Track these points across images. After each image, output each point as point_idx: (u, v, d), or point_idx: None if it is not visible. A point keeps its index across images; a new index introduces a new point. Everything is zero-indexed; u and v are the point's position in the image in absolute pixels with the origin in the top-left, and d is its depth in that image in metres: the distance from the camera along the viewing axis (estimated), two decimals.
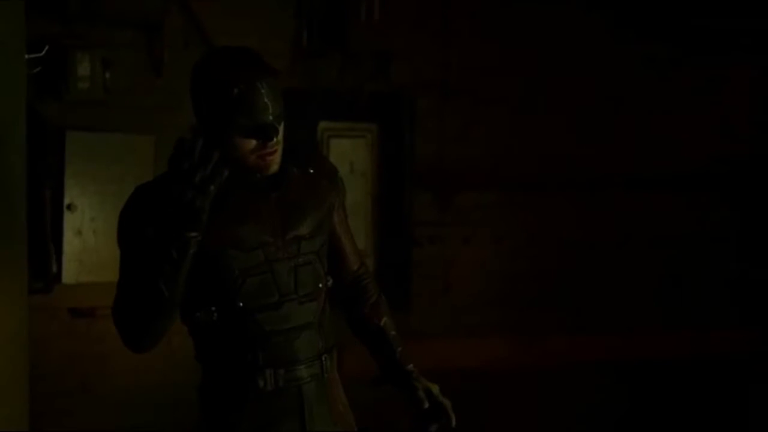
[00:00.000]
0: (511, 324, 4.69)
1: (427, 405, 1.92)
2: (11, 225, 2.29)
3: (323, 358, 1.84)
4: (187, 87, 1.76)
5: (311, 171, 1.88)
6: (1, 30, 2.25)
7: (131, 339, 1.71)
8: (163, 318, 1.68)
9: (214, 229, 1.71)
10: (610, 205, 4.86)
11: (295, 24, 4.38)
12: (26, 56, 2.34)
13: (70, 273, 3.94)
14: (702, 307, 4.87)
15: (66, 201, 3.94)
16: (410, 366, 1.97)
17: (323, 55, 4.41)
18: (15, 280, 2.32)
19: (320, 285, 1.84)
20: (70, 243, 3.94)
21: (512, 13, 4.69)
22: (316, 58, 4.41)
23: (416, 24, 4.58)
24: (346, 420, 1.91)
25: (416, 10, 4.58)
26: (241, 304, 1.76)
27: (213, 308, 1.76)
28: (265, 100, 1.69)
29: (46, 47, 2.58)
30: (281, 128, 1.74)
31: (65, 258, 3.92)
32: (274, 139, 1.71)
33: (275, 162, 1.75)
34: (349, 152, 4.52)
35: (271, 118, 1.70)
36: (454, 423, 1.92)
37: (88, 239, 3.96)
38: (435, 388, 1.95)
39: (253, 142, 1.71)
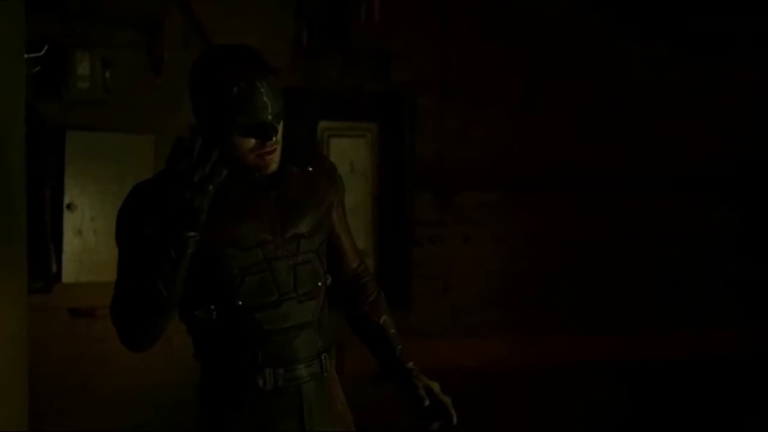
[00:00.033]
0: (511, 324, 4.69)
1: (427, 403, 1.91)
2: (11, 224, 2.29)
3: (323, 357, 1.84)
4: (186, 87, 1.75)
5: (310, 169, 1.87)
6: (0, 29, 2.24)
7: (129, 338, 1.70)
8: (161, 317, 1.68)
9: (213, 228, 1.71)
10: (610, 205, 4.85)
11: (295, 23, 4.37)
12: (26, 56, 2.34)
13: (70, 273, 3.94)
14: (702, 307, 4.87)
15: (66, 200, 3.94)
16: (410, 364, 1.97)
17: (323, 54, 4.41)
18: (15, 279, 2.32)
19: (319, 283, 1.84)
20: (70, 243, 3.93)
21: (512, 13, 4.69)
22: (317, 58, 4.41)
23: (416, 24, 4.58)
24: (344, 419, 1.91)
25: (416, 9, 4.57)
26: (240, 302, 1.75)
27: (212, 307, 1.76)
28: (265, 99, 1.68)
29: (46, 47, 2.58)
30: (280, 127, 1.73)
31: (65, 258, 3.92)
32: (274, 138, 1.70)
33: (274, 161, 1.74)
34: (349, 152, 4.51)
35: (270, 117, 1.69)
36: (455, 420, 1.92)
37: (88, 239, 3.96)
38: (435, 386, 1.95)
39: (253, 141, 1.70)
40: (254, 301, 1.76)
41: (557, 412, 4.63)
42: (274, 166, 1.75)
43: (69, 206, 3.94)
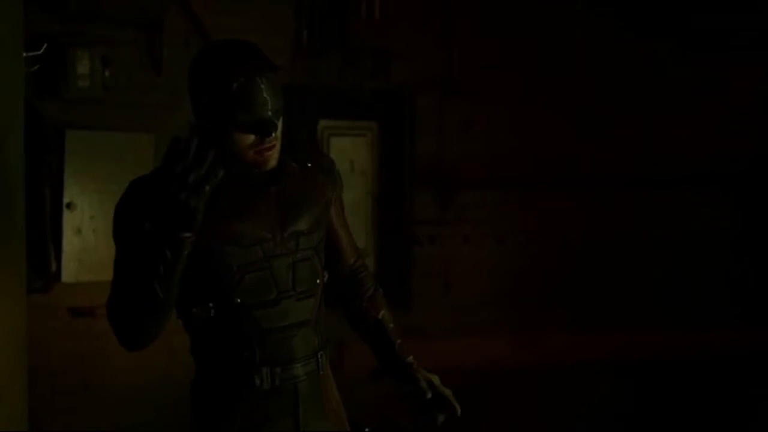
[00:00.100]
0: (511, 323, 4.68)
1: (430, 395, 1.91)
2: (10, 224, 2.28)
3: (319, 356, 1.83)
4: (186, 85, 1.74)
5: (309, 165, 1.87)
6: None
7: (125, 337, 1.70)
8: (157, 317, 1.67)
9: (211, 225, 1.70)
10: (611, 205, 4.85)
11: (295, 22, 4.37)
12: (25, 54, 2.33)
13: (69, 272, 3.93)
14: (702, 307, 4.87)
15: (65, 200, 3.93)
16: (410, 358, 1.96)
17: (324, 53, 4.40)
18: (14, 279, 2.31)
19: (317, 281, 1.83)
20: (69, 242, 3.93)
21: (512, 12, 4.69)
22: (317, 57, 4.40)
23: (417, 22, 4.57)
24: (339, 416, 1.90)
25: (417, 8, 4.57)
26: (238, 300, 1.75)
27: (210, 304, 1.75)
28: (265, 95, 1.67)
29: (45, 45, 2.57)
30: (280, 123, 1.73)
31: (65, 257, 3.92)
32: (273, 135, 1.69)
33: (273, 157, 1.74)
34: (349, 150, 4.51)
35: (270, 113, 1.68)
36: (459, 412, 1.91)
37: (87, 238, 3.95)
38: (436, 379, 1.95)
39: (252, 138, 1.69)
40: (253, 299, 1.76)
41: (557, 411, 4.63)
42: (273, 163, 1.74)
43: (69, 205, 3.94)
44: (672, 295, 4.87)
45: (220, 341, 1.78)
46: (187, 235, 1.61)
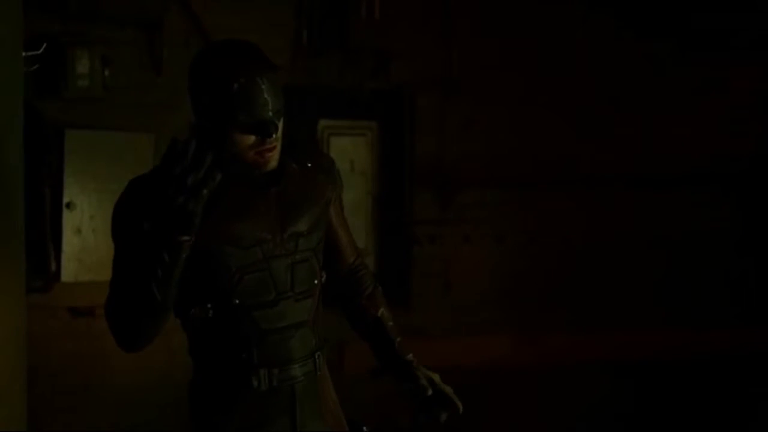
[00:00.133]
0: (511, 322, 4.68)
1: (430, 392, 1.91)
2: (9, 223, 2.28)
3: (316, 356, 1.83)
4: (186, 85, 1.74)
5: (309, 165, 1.86)
6: None
7: (123, 339, 1.69)
8: (155, 320, 1.67)
9: (211, 226, 1.70)
10: (611, 204, 4.85)
11: (295, 22, 4.37)
12: (24, 54, 2.33)
13: (69, 271, 3.93)
14: (702, 306, 4.86)
15: (65, 199, 3.93)
16: (410, 356, 1.96)
17: (324, 53, 4.40)
18: (13, 278, 2.31)
19: (315, 281, 1.83)
20: (69, 241, 3.93)
21: (513, 12, 4.68)
22: (317, 56, 4.40)
23: (417, 22, 4.57)
24: (336, 417, 1.90)
25: (417, 8, 4.57)
26: (237, 301, 1.75)
27: (209, 305, 1.75)
28: (265, 95, 1.67)
29: (45, 45, 2.57)
30: (281, 124, 1.72)
31: (64, 257, 3.91)
32: (274, 136, 1.69)
33: (274, 158, 1.73)
34: (349, 150, 4.51)
35: (270, 114, 1.68)
36: (461, 409, 1.91)
37: (87, 238, 3.95)
38: (436, 377, 1.95)
39: (252, 138, 1.69)
40: (251, 299, 1.76)
41: (558, 411, 4.63)
42: (273, 164, 1.74)
43: (68, 205, 3.93)
44: (672, 295, 4.87)
45: (218, 342, 1.77)
46: (185, 238, 1.60)
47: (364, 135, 4.57)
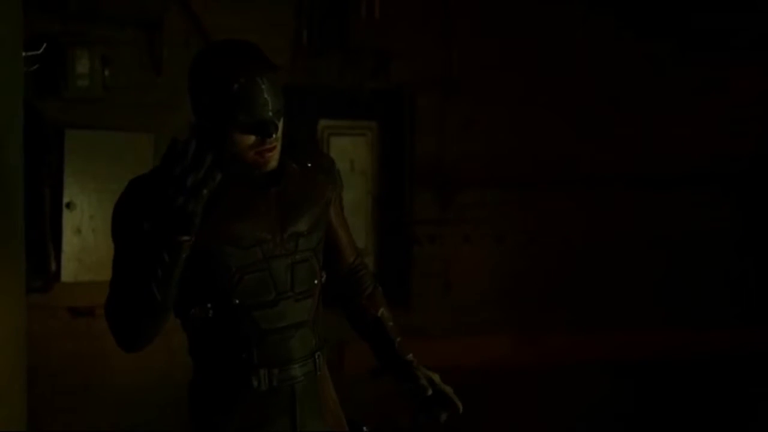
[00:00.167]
0: (511, 322, 4.68)
1: (430, 392, 1.91)
2: (9, 223, 2.28)
3: (316, 356, 1.83)
4: (186, 85, 1.74)
5: (309, 165, 1.86)
6: None
7: (123, 339, 1.69)
8: (155, 320, 1.67)
9: (211, 226, 1.70)
10: (611, 204, 4.85)
11: (295, 22, 4.37)
12: (24, 54, 2.33)
13: (69, 271, 3.93)
14: (702, 306, 4.86)
15: (65, 199, 3.93)
16: (410, 356, 1.97)
17: (324, 53, 4.40)
18: (13, 278, 2.31)
19: (315, 281, 1.83)
20: (69, 241, 3.93)
21: (513, 12, 4.68)
22: (317, 56, 4.40)
23: (417, 22, 4.57)
24: (336, 417, 1.90)
25: (417, 8, 4.57)
26: (237, 301, 1.75)
27: (209, 305, 1.75)
28: (266, 95, 1.67)
29: (44, 44, 2.57)
30: (281, 124, 1.72)
31: (64, 256, 3.91)
32: (274, 136, 1.69)
33: (274, 158, 1.73)
34: (349, 150, 4.51)
35: (270, 114, 1.68)
36: (461, 409, 1.91)
37: (87, 238, 3.95)
38: (436, 377, 1.95)
39: (252, 138, 1.69)
40: (251, 299, 1.76)
41: (558, 411, 4.63)
42: (273, 164, 1.74)
43: (68, 205, 3.93)
44: (672, 295, 4.87)
45: (218, 342, 1.77)
46: (185, 238, 1.60)
47: (364, 135, 4.57)
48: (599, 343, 4.75)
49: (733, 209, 4.98)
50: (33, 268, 3.52)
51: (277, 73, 1.71)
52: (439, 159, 4.63)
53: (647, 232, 4.87)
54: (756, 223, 5.01)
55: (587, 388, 4.67)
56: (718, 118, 4.96)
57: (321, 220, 1.87)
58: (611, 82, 4.79)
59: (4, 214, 2.26)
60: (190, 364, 1.87)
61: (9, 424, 2.28)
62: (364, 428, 1.95)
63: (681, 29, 4.80)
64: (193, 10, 4.16)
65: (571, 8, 4.73)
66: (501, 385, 4.56)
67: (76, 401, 4.06)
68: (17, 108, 2.30)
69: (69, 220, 3.93)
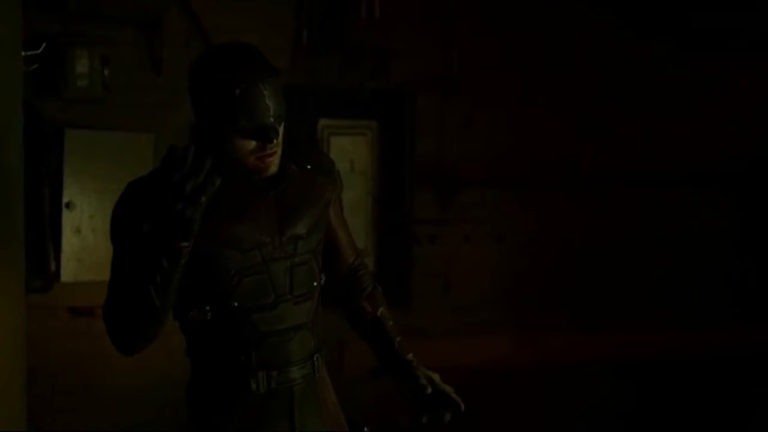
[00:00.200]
0: (512, 322, 4.68)
1: (430, 390, 1.91)
2: (9, 224, 2.28)
3: (315, 358, 1.83)
4: (186, 85, 1.74)
5: (309, 167, 1.86)
6: None
7: (121, 342, 1.70)
8: (153, 324, 1.67)
9: (210, 229, 1.70)
10: (611, 204, 4.84)
11: (295, 22, 4.36)
12: (23, 53, 2.33)
13: (69, 271, 3.93)
14: (702, 306, 4.86)
15: (65, 199, 3.93)
16: (409, 355, 1.97)
17: (324, 52, 4.40)
18: (12, 278, 2.31)
19: (315, 284, 1.84)
20: (68, 241, 3.92)
21: (513, 12, 4.68)
22: (317, 56, 4.40)
23: (417, 22, 4.57)
24: (335, 418, 1.90)
25: (417, 8, 4.56)
26: (236, 304, 1.75)
27: (207, 307, 1.75)
28: (267, 101, 1.67)
29: (44, 44, 2.57)
30: (281, 129, 1.72)
31: (64, 256, 3.91)
32: (274, 141, 1.69)
33: (274, 164, 1.73)
34: (349, 150, 4.51)
35: (272, 119, 1.68)
36: (463, 407, 1.91)
37: (87, 238, 3.95)
38: (436, 377, 1.95)
39: (253, 143, 1.69)
40: (250, 302, 1.76)
41: (558, 411, 4.63)
42: (273, 169, 1.74)
43: (68, 205, 3.93)
44: (672, 295, 4.87)
45: (216, 344, 1.78)
46: (184, 244, 1.61)
47: (364, 135, 4.56)
48: (599, 343, 4.75)
49: (733, 209, 4.98)
50: (32, 268, 3.51)
51: (279, 77, 1.70)
52: (439, 159, 4.63)
53: (647, 232, 4.87)
54: (756, 223, 5.00)
55: (587, 388, 4.67)
56: (718, 118, 4.96)
57: (320, 221, 1.87)
58: (611, 82, 4.79)
59: (4, 214, 2.26)
60: (189, 364, 1.87)
61: (8, 424, 2.28)
62: (365, 429, 1.95)
63: (681, 29, 4.79)
64: (193, 10, 4.16)
65: (571, 8, 4.73)
66: (501, 385, 4.56)
67: (75, 401, 4.06)
68: (17, 108, 2.30)
69: (69, 220, 3.92)
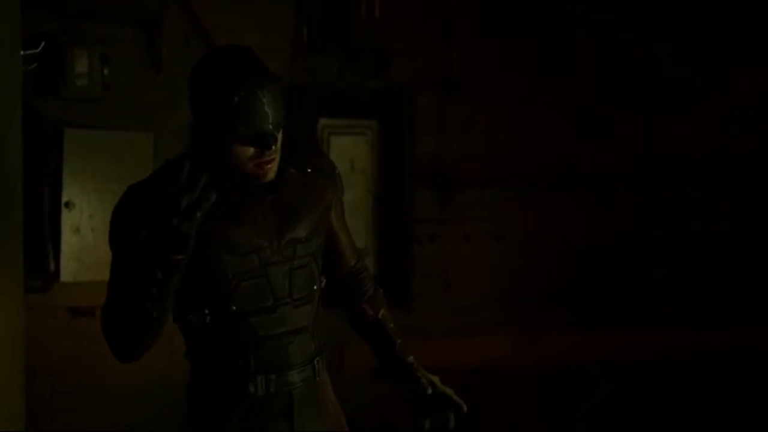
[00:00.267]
0: (512, 322, 4.68)
1: (430, 391, 1.91)
2: (8, 223, 2.27)
3: (315, 362, 1.83)
4: (186, 84, 1.73)
5: (309, 170, 1.86)
6: None
7: (119, 350, 1.71)
8: (150, 334, 1.69)
9: (208, 232, 1.70)
10: (611, 204, 4.84)
11: (295, 20, 4.36)
12: (23, 52, 2.32)
13: (68, 271, 3.92)
14: (702, 307, 4.86)
15: (64, 198, 3.92)
16: (410, 358, 1.97)
17: (324, 51, 4.39)
18: (11, 278, 2.31)
19: (314, 287, 1.83)
20: (68, 241, 3.92)
21: (513, 12, 4.68)
22: (317, 55, 4.39)
23: (417, 21, 4.56)
24: (336, 419, 1.90)
25: (417, 7, 4.56)
26: (234, 307, 1.75)
27: (206, 311, 1.75)
28: (265, 108, 1.66)
29: (42, 43, 2.56)
30: (280, 135, 1.72)
31: (63, 256, 3.91)
32: (273, 148, 1.69)
33: (273, 170, 1.74)
34: (349, 149, 4.50)
35: (270, 126, 1.68)
36: (465, 408, 1.91)
37: (86, 237, 3.94)
38: (436, 380, 1.95)
39: (251, 150, 1.69)
40: (249, 306, 1.76)
41: (558, 411, 4.62)
42: (272, 175, 1.74)
43: (67, 204, 3.92)
44: (672, 295, 4.87)
45: (215, 347, 1.78)
46: (180, 257, 1.61)
47: (364, 134, 4.56)
48: (599, 343, 4.75)
49: (733, 209, 4.97)
50: (32, 267, 3.51)
51: (278, 83, 1.70)
52: (439, 158, 4.63)
53: (647, 232, 4.87)
54: (756, 223, 5.00)
55: (587, 388, 4.67)
56: (718, 118, 4.95)
57: (320, 225, 1.86)
58: (611, 82, 4.79)
59: (3, 214, 2.26)
60: (189, 365, 1.87)
61: (8, 425, 2.27)
62: None
63: (681, 29, 4.79)
64: (193, 8, 4.15)
65: (571, 8, 4.72)
66: (501, 385, 4.55)
67: (75, 401, 4.05)
68: (16, 107, 2.29)
69: (68, 220, 3.92)
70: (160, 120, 4.02)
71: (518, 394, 4.59)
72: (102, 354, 4.08)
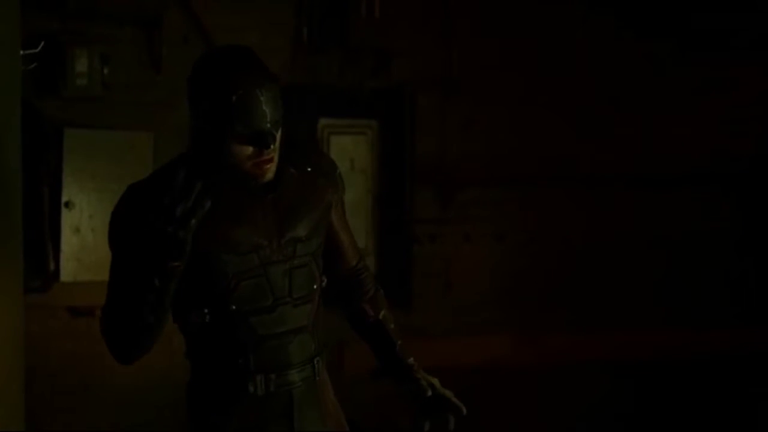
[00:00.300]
0: (512, 322, 4.68)
1: (430, 393, 1.91)
2: (8, 223, 2.27)
3: (315, 361, 1.83)
4: (185, 84, 1.73)
5: (309, 170, 1.86)
6: None
7: (117, 353, 1.72)
8: (148, 337, 1.70)
9: (208, 232, 1.70)
10: (611, 204, 4.84)
11: (295, 20, 4.36)
12: (22, 52, 2.32)
13: (68, 271, 3.92)
14: (702, 307, 4.86)
15: (64, 198, 3.92)
16: (410, 359, 1.97)
17: (324, 51, 4.39)
18: (11, 278, 2.31)
19: (315, 286, 1.83)
20: (68, 241, 3.92)
21: (513, 11, 4.68)
22: (317, 55, 4.39)
23: (417, 21, 4.56)
24: (336, 419, 1.90)
25: (417, 7, 4.56)
26: (234, 307, 1.75)
27: (205, 310, 1.75)
28: (264, 107, 1.66)
29: (42, 43, 2.56)
30: (278, 134, 1.72)
31: (63, 256, 3.90)
32: (271, 147, 1.68)
33: (271, 170, 1.73)
34: (349, 149, 4.50)
35: (269, 125, 1.68)
36: (464, 411, 1.91)
37: (86, 237, 3.94)
38: (436, 382, 1.96)
39: (250, 149, 1.69)
40: (248, 305, 1.76)
41: (557, 411, 4.62)
42: (270, 175, 1.74)
43: (67, 204, 3.92)
44: (672, 295, 4.86)
45: (215, 347, 1.78)
46: (176, 264, 1.62)
47: (364, 134, 4.56)
48: (599, 343, 4.74)
49: (733, 209, 4.97)
50: (32, 267, 3.51)
51: (277, 82, 1.70)
52: (439, 158, 4.63)
53: (647, 232, 4.87)
54: (756, 223, 5.00)
55: (587, 388, 4.66)
56: (718, 118, 4.95)
57: (321, 224, 1.86)
58: (611, 82, 4.78)
59: (3, 214, 2.25)
60: (189, 364, 1.87)
61: (8, 425, 2.27)
62: None
63: (681, 29, 4.79)
64: (193, 8, 4.15)
65: (571, 8, 4.72)
66: (501, 385, 4.55)
67: (75, 401, 4.05)
68: (15, 107, 2.29)
69: (68, 220, 3.92)
70: (160, 120, 4.02)
71: (518, 394, 4.59)
72: (102, 354, 4.07)
